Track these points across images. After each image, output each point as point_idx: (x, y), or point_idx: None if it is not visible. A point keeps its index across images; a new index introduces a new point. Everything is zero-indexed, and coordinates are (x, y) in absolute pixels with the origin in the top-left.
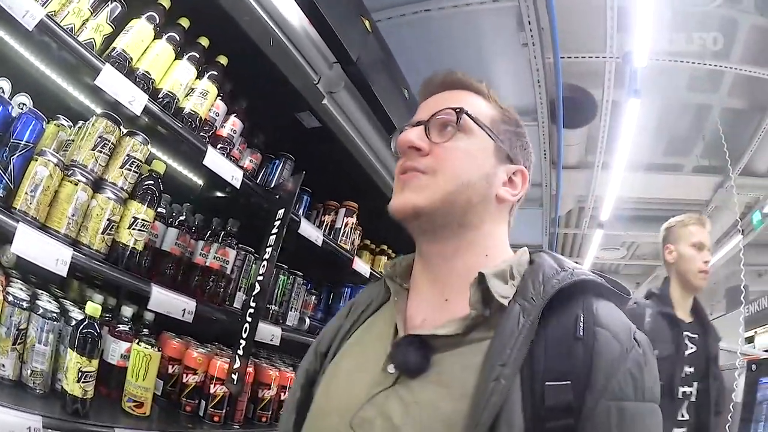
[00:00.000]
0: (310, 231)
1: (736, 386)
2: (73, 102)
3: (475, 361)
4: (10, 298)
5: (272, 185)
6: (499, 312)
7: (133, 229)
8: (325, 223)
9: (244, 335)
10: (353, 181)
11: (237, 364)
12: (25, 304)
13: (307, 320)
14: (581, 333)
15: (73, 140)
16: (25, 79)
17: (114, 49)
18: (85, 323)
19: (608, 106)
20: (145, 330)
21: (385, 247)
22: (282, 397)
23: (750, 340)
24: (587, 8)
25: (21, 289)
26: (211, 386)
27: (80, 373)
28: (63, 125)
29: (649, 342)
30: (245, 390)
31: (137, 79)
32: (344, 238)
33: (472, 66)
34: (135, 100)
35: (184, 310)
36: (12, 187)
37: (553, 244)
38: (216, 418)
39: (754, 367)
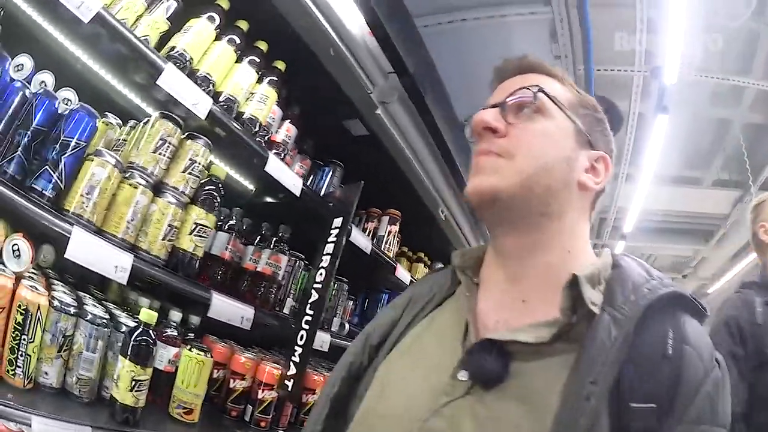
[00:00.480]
0: (360, 239)
1: None
2: (121, 99)
3: (561, 375)
4: (56, 303)
5: (321, 192)
6: (586, 320)
7: (195, 235)
8: (368, 230)
9: (300, 342)
10: (394, 189)
11: (292, 371)
12: (72, 310)
13: (347, 325)
14: (670, 352)
15: (123, 140)
16: (67, 73)
17: (174, 48)
18: (139, 330)
19: (635, 119)
20: (190, 334)
21: (422, 254)
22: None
23: None
24: (617, 21)
25: (64, 292)
26: (260, 391)
27: (133, 382)
28: (111, 123)
29: (725, 362)
30: (300, 396)
31: (199, 81)
32: (387, 245)
33: None
34: (199, 104)
35: (243, 317)
36: (62, 187)
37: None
38: (263, 423)
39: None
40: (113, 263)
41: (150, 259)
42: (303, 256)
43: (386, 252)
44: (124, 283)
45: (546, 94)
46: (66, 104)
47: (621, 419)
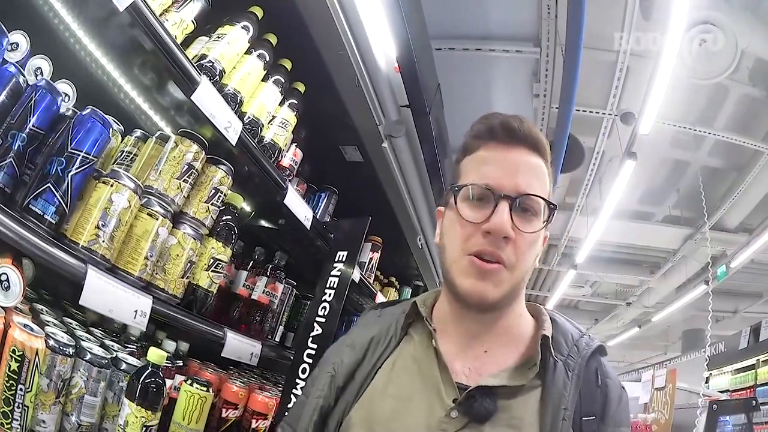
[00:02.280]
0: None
1: (697, 423)
2: (123, 102)
3: (534, 405)
4: (52, 343)
5: (317, 217)
6: (542, 364)
7: (212, 271)
8: None
9: (302, 376)
10: (379, 216)
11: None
12: (70, 350)
13: None
14: (600, 383)
15: (128, 152)
16: (63, 60)
17: (205, 57)
18: (148, 372)
19: (598, 157)
20: (178, 362)
21: (393, 279)
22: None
23: (706, 381)
24: (596, 63)
25: (55, 324)
26: (252, 421)
27: (144, 429)
28: (114, 130)
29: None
30: None
31: (228, 99)
32: (367, 272)
33: (478, 107)
34: (231, 127)
35: (252, 354)
36: (66, 211)
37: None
38: None
39: (715, 407)
40: (133, 308)
41: (166, 299)
42: (295, 284)
43: (368, 279)
44: (143, 329)
45: (549, 208)
46: (65, 100)
47: (576, 427)
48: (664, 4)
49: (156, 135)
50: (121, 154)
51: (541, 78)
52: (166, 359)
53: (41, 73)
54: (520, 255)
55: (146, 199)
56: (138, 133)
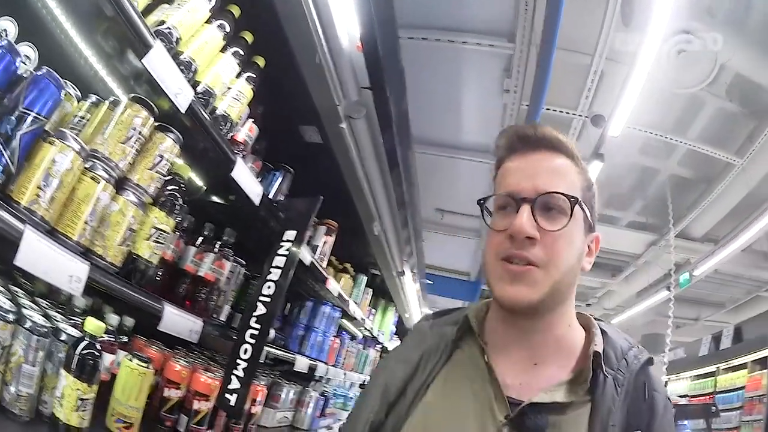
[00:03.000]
0: (303, 251)
1: None
2: (82, 66)
3: (583, 422)
4: None
5: (269, 196)
6: (592, 379)
7: (153, 241)
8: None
9: (244, 356)
10: (335, 200)
11: (234, 385)
12: (11, 317)
13: (272, 331)
14: (647, 397)
15: (81, 117)
16: (26, 21)
17: (163, 23)
18: (85, 343)
19: None
20: (123, 337)
21: (348, 265)
22: (253, 410)
23: (664, 385)
24: (570, 64)
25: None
26: (195, 402)
27: (80, 401)
28: (70, 94)
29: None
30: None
31: (182, 67)
32: (321, 255)
33: (446, 98)
34: (181, 94)
35: (191, 330)
36: (13, 171)
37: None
38: None
39: (674, 410)
40: (68, 273)
41: (104, 266)
42: (244, 263)
43: (320, 263)
44: (78, 295)
45: (580, 205)
46: (25, 63)
47: None
48: (646, 11)
49: (109, 100)
50: (75, 119)
51: (512, 74)
52: (110, 334)
53: (6, 35)
54: (551, 253)
55: (91, 163)
56: (93, 98)
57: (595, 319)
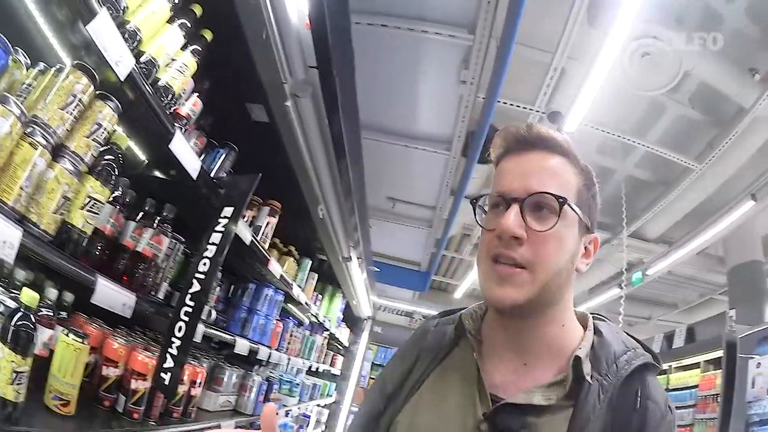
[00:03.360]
0: (242, 230)
1: None
2: (33, 34)
3: (561, 426)
4: None
5: (212, 173)
6: (576, 382)
7: (87, 210)
8: (246, 218)
9: (178, 334)
10: (279, 180)
11: (169, 364)
12: None
13: (214, 312)
14: (638, 406)
15: (29, 85)
16: None
17: None
18: (20, 314)
19: None
20: (62, 313)
21: (292, 248)
22: (192, 392)
23: None
24: (531, 61)
25: None
26: (132, 381)
27: (14, 374)
28: (19, 61)
29: (674, 408)
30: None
31: (126, 35)
32: (263, 236)
33: (402, 86)
34: (122, 62)
35: (125, 304)
36: None
37: (434, 263)
38: (135, 415)
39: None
40: (1, 238)
41: (38, 234)
42: (183, 240)
43: (262, 243)
44: (10, 261)
45: (569, 205)
46: None
47: None
48: (612, 11)
49: (55, 68)
50: (23, 86)
51: (470, 66)
52: (49, 308)
53: None
54: (539, 254)
55: (31, 128)
56: (41, 65)
57: (597, 318)
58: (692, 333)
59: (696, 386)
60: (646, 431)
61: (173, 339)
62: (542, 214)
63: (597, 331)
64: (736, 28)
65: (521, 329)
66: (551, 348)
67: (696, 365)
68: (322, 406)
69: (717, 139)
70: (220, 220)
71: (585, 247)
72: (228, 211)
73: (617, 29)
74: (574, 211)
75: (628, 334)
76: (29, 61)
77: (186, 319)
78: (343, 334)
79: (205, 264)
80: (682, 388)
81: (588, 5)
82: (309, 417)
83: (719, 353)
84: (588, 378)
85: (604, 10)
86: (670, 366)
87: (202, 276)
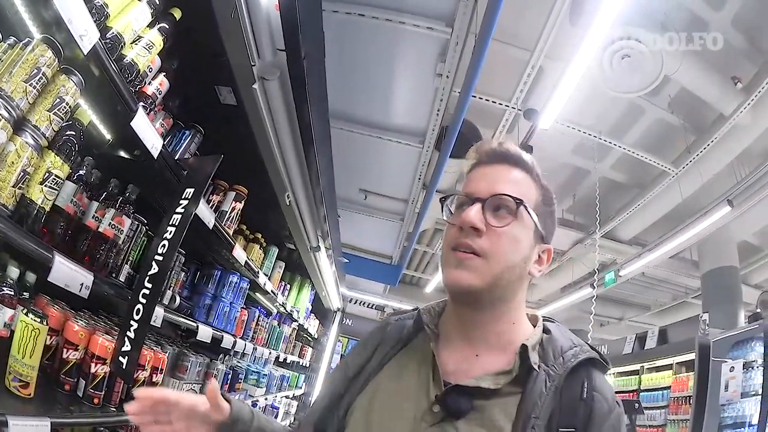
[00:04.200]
0: (205, 213)
1: None
2: (7, 10)
3: (509, 411)
4: None
5: (177, 155)
6: (525, 372)
7: (46, 185)
8: (212, 203)
9: (136, 317)
10: (246, 165)
11: (127, 347)
12: None
13: (178, 298)
14: (585, 396)
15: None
16: None
17: None
18: None
19: None
20: (25, 293)
21: (259, 235)
22: (154, 378)
23: None
24: (509, 58)
25: None
26: (92, 365)
27: None
28: None
29: (622, 403)
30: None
31: (93, 10)
32: (229, 222)
33: (378, 77)
34: (87, 36)
35: (82, 284)
36: None
37: (405, 257)
38: (96, 400)
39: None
40: None
41: None
42: (146, 221)
43: (227, 229)
44: None
45: (525, 208)
46: None
47: None
48: (595, 11)
49: (23, 42)
50: None
51: (447, 59)
52: (11, 287)
53: None
54: (494, 246)
55: None
56: (11, 40)
57: (547, 320)
58: (665, 335)
59: (668, 387)
60: (593, 420)
61: (131, 322)
62: (501, 214)
63: (546, 330)
64: (720, 36)
65: (475, 322)
66: (501, 341)
67: (668, 367)
68: (291, 398)
69: (695, 144)
70: (180, 201)
71: (539, 255)
72: (189, 192)
73: (598, 29)
74: (530, 215)
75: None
76: (1, 36)
77: (144, 301)
78: (313, 325)
79: (164, 246)
80: (654, 389)
81: (571, 4)
82: (278, 408)
83: (692, 356)
84: (535, 366)
85: (587, 10)
86: (642, 366)
87: (160, 258)
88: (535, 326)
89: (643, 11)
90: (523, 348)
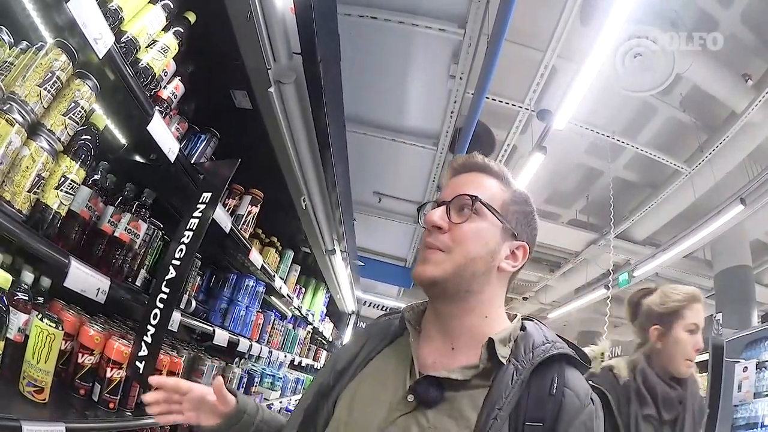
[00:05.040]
0: (222, 217)
1: None
2: (18, 14)
3: (477, 402)
4: None
5: (192, 159)
6: (496, 366)
7: (61, 190)
8: (228, 207)
9: (153, 322)
10: (262, 169)
11: (144, 352)
12: None
13: (194, 302)
14: (554, 391)
15: (10, 63)
16: None
17: None
18: None
19: (507, 149)
20: (39, 298)
21: (275, 239)
22: None
23: None
24: (521, 58)
25: None
26: (108, 370)
27: None
28: (2, 40)
29: (599, 402)
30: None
31: (107, 14)
32: (245, 226)
33: (391, 79)
34: (101, 39)
35: (99, 289)
36: None
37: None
38: (111, 405)
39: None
40: None
41: (11, 213)
42: (162, 226)
43: (243, 233)
44: None
45: (482, 202)
46: None
47: (518, 431)
48: (606, 10)
49: (36, 46)
50: (4, 65)
51: (460, 61)
52: (25, 292)
53: None
54: (455, 240)
55: (8, 105)
56: (23, 44)
57: (527, 318)
58: None
59: None
60: (562, 416)
61: (148, 327)
62: (463, 213)
63: (523, 327)
64: (731, 34)
65: (449, 316)
66: (475, 335)
67: None
68: None
69: (707, 142)
70: (198, 205)
71: (513, 252)
72: (206, 196)
73: (610, 29)
74: (491, 210)
75: (561, 337)
76: (12, 40)
77: (161, 306)
78: (327, 328)
79: (181, 250)
80: None
81: (582, 4)
82: (291, 412)
83: (705, 356)
84: (503, 360)
85: (598, 9)
86: None
87: (178, 262)
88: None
89: (653, 9)
90: (490, 341)
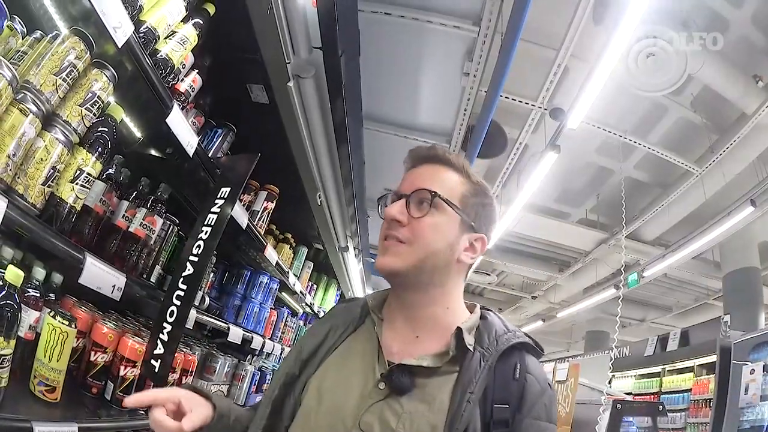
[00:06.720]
0: (239, 213)
1: (600, 420)
2: (31, 3)
3: (447, 387)
4: None
5: (209, 154)
6: (462, 353)
7: (76, 183)
8: (243, 203)
9: (170, 319)
10: (277, 164)
11: (160, 350)
12: None
13: (207, 299)
14: (517, 376)
15: (24, 53)
16: None
17: None
18: (3, 293)
19: (520, 147)
20: (51, 294)
21: (289, 235)
22: (183, 381)
23: (609, 381)
24: (535, 57)
25: None
26: (121, 368)
27: None
28: (15, 30)
29: (553, 386)
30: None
31: (126, 2)
32: (260, 222)
33: (407, 76)
34: (120, 28)
35: (114, 286)
36: None
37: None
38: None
39: (619, 406)
40: None
41: (24, 207)
42: (177, 221)
43: (258, 229)
44: None
45: (441, 197)
46: None
47: (487, 412)
48: (619, 11)
49: (51, 35)
50: (17, 54)
51: (474, 58)
52: (36, 289)
53: None
54: (415, 233)
55: (22, 94)
56: (37, 33)
57: (483, 308)
58: (686, 337)
59: (689, 390)
60: (526, 399)
61: (164, 324)
62: (422, 207)
63: (483, 317)
64: (741, 35)
65: (411, 305)
66: (438, 325)
67: (689, 369)
68: None
69: (718, 143)
70: (216, 201)
71: (471, 244)
72: (224, 191)
73: (622, 29)
74: (450, 205)
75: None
76: (25, 30)
77: (178, 303)
78: None
79: (199, 246)
80: (675, 392)
81: (594, 4)
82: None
83: (713, 358)
84: (470, 347)
85: (611, 9)
86: (663, 368)
87: (195, 259)
88: (472, 313)
89: (664, 9)
90: (458, 330)
